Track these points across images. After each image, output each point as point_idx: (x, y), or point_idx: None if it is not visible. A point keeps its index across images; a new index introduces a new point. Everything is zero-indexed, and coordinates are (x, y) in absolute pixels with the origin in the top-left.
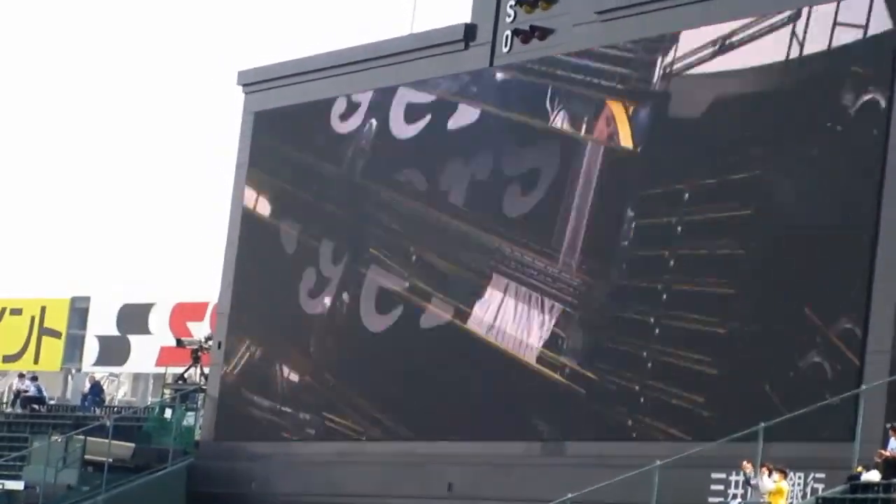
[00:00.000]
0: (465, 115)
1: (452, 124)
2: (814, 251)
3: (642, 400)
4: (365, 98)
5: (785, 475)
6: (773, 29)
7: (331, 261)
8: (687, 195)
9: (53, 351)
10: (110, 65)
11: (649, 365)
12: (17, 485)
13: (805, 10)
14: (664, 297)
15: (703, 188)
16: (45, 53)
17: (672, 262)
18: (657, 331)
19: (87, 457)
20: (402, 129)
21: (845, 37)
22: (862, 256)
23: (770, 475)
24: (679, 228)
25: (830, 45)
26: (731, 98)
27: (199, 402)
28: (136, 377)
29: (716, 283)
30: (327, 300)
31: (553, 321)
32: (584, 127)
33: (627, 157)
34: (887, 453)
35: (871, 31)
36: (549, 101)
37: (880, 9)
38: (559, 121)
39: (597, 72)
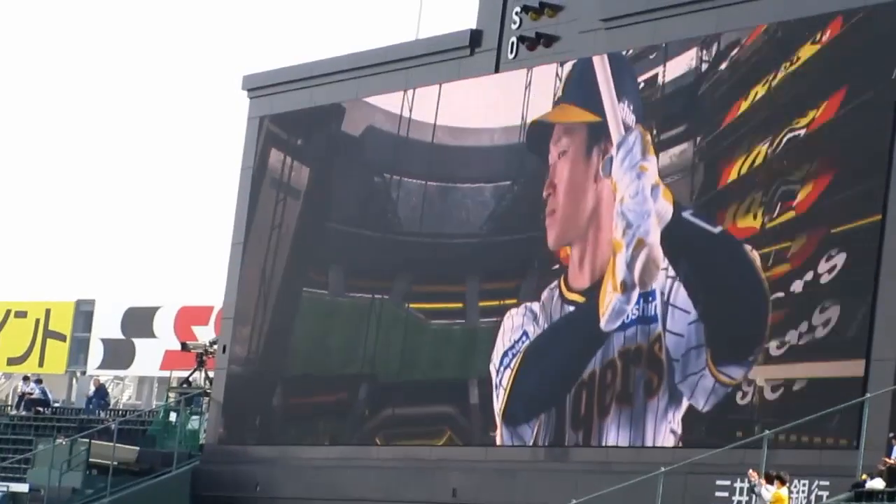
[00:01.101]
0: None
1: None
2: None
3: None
4: (370, 102)
5: (783, 482)
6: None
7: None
8: None
9: (58, 354)
10: (115, 68)
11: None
12: (22, 487)
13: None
14: None
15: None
16: (49, 56)
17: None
18: None
19: (91, 460)
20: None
21: None
22: (867, 263)
23: (771, 483)
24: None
25: None
26: None
27: (204, 406)
28: (141, 380)
29: None
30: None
31: None
32: None
33: None
34: (891, 461)
35: None
36: None
37: None
38: None
39: None
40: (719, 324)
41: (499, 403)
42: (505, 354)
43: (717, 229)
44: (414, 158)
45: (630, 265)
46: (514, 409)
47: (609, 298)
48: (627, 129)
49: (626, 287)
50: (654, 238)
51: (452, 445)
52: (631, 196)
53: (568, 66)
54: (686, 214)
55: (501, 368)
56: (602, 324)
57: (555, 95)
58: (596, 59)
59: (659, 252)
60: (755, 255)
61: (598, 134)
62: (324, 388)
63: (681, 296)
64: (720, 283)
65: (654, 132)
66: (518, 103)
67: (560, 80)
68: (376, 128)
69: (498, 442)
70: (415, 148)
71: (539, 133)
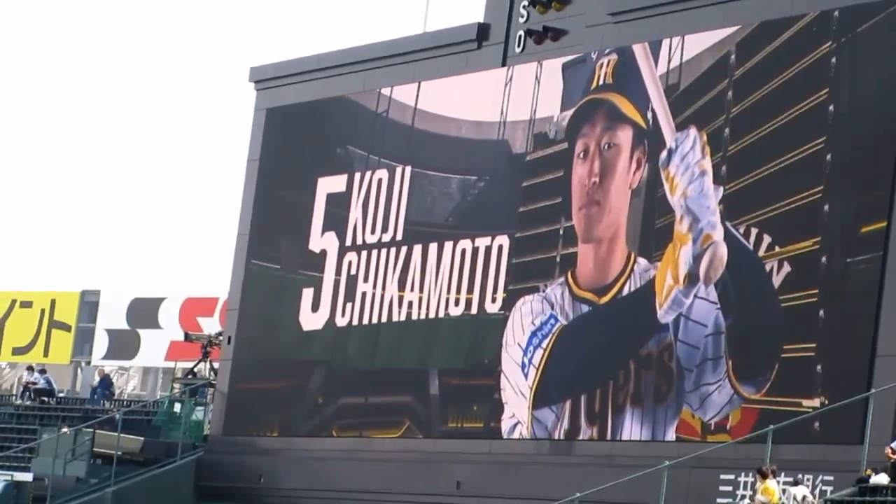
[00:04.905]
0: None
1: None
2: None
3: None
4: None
5: (764, 476)
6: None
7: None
8: None
9: (63, 344)
10: (122, 60)
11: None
12: (26, 476)
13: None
14: None
15: None
16: (56, 49)
17: None
18: None
19: (95, 450)
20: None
21: None
22: (873, 260)
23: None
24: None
25: None
26: None
27: (209, 397)
28: (146, 371)
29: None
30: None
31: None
32: None
33: None
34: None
35: None
36: None
37: None
38: None
39: None
40: (743, 338)
41: (529, 381)
42: (533, 335)
43: (751, 246)
44: (387, 136)
45: (697, 259)
46: (547, 387)
47: (668, 290)
48: (682, 127)
49: (691, 279)
50: (719, 236)
51: (453, 438)
52: (696, 192)
53: (613, 56)
54: (729, 225)
55: (531, 349)
56: (659, 314)
57: (534, 95)
58: (637, 49)
59: (724, 249)
60: (773, 275)
61: (645, 132)
62: (273, 373)
63: (695, 308)
64: (748, 299)
65: (707, 136)
66: (498, 102)
67: (602, 68)
68: (342, 95)
69: (505, 429)
70: (389, 125)
71: (578, 119)
